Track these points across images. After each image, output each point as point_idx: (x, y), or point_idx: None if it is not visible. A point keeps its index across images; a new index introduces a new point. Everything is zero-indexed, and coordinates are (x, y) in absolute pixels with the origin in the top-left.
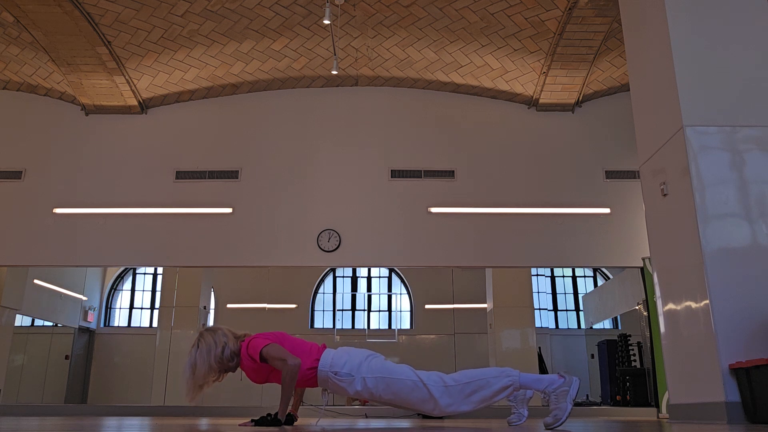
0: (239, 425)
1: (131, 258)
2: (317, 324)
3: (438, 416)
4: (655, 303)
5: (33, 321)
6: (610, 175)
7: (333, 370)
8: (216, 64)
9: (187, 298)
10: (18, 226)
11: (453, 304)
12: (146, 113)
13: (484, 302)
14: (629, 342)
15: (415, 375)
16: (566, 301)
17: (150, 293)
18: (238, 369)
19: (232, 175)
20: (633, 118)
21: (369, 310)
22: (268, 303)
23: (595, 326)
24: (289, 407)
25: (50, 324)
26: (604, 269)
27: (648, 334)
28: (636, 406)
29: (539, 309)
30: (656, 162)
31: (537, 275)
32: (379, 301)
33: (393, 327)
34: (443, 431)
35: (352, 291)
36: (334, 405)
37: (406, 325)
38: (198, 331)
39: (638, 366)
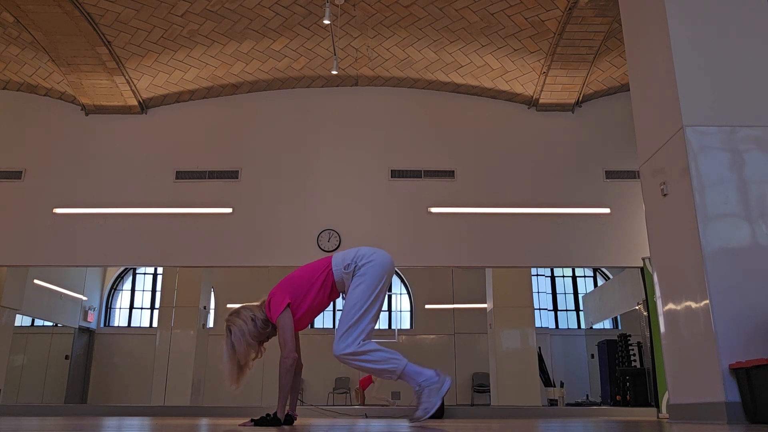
0: (239, 425)
1: (131, 258)
2: (317, 324)
3: (335, 352)
4: (655, 303)
5: (33, 321)
6: (610, 175)
7: (344, 263)
8: (216, 64)
9: (187, 298)
10: (18, 226)
11: (453, 304)
12: (146, 113)
13: (484, 302)
14: (629, 342)
15: (360, 308)
16: (566, 301)
17: (150, 293)
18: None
19: (232, 175)
20: (633, 118)
21: None
22: None
23: (595, 326)
24: (288, 408)
25: (50, 324)
26: (604, 269)
27: (648, 334)
28: (636, 406)
29: (539, 309)
30: (656, 162)
31: (537, 275)
32: None
33: (393, 327)
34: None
35: None
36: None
37: (406, 325)
38: (225, 321)
39: (638, 366)
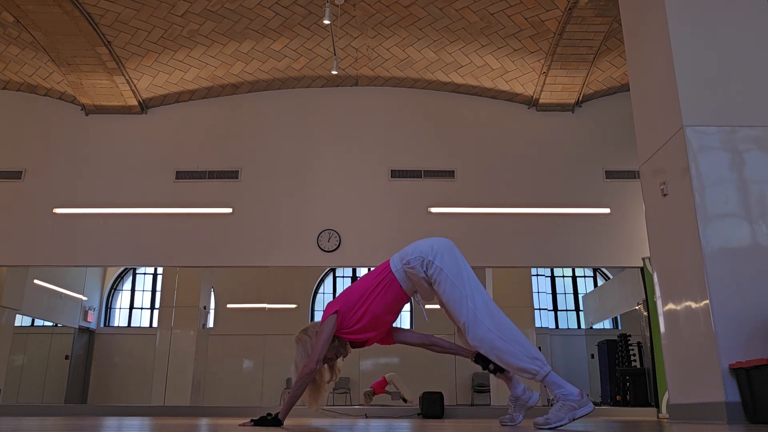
0: (239, 425)
1: (131, 258)
2: None
3: (470, 343)
4: (655, 303)
5: (33, 321)
6: (610, 175)
7: (404, 261)
8: (216, 64)
9: (187, 298)
10: (18, 226)
11: None
12: (146, 113)
13: None
14: (629, 342)
15: (471, 293)
16: (566, 301)
17: (150, 293)
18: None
19: (232, 175)
20: (633, 118)
21: None
22: (268, 303)
23: (595, 326)
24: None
25: (50, 324)
26: (604, 269)
27: (648, 334)
28: (636, 406)
29: (539, 309)
30: (656, 162)
31: (537, 275)
32: None
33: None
34: (443, 431)
35: None
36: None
37: (406, 325)
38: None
39: (638, 366)
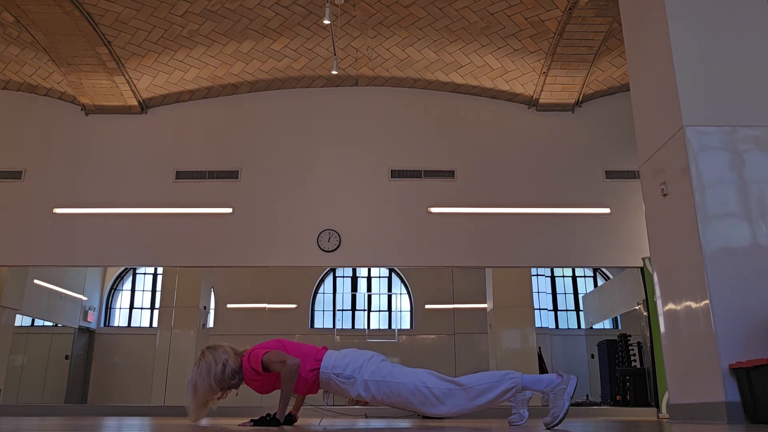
0: (238, 425)
1: (131, 258)
2: (317, 324)
3: (439, 417)
4: (655, 303)
5: (33, 321)
6: (610, 175)
7: (335, 371)
8: (216, 64)
9: (187, 298)
10: (18, 226)
11: (453, 304)
12: (146, 113)
13: (484, 302)
14: (629, 342)
15: (418, 380)
16: (566, 301)
17: (150, 293)
18: (242, 385)
19: (232, 175)
20: (633, 118)
21: (369, 310)
22: (268, 303)
23: (595, 326)
24: (290, 408)
25: (50, 324)
26: (604, 269)
27: (648, 334)
28: (636, 406)
29: (539, 309)
30: (656, 162)
31: (537, 275)
32: (379, 301)
33: (393, 327)
34: (443, 431)
35: (352, 291)
36: (334, 405)
37: (406, 325)
38: (200, 350)
39: (638, 366)
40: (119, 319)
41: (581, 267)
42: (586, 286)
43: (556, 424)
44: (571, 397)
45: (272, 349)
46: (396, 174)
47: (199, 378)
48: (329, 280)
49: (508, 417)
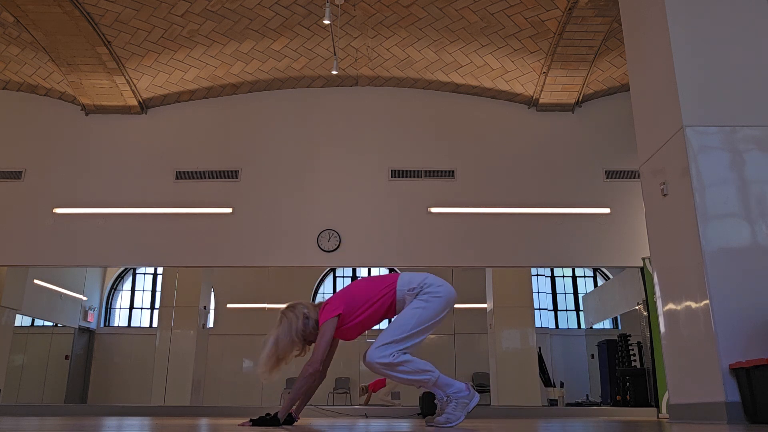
0: (238, 425)
1: (131, 258)
2: None
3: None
4: (655, 303)
5: (33, 321)
6: (610, 175)
7: (409, 287)
8: (216, 64)
9: (187, 298)
10: (18, 226)
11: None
12: (146, 113)
13: (484, 302)
14: (629, 342)
15: (410, 330)
16: (566, 301)
17: (150, 293)
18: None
19: (232, 175)
20: (633, 118)
21: None
22: (268, 303)
23: (595, 326)
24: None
25: (50, 324)
26: (604, 269)
27: (648, 334)
28: (636, 406)
29: (539, 309)
30: (656, 162)
31: (537, 275)
32: None
33: None
34: (443, 431)
35: None
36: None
37: None
38: (279, 312)
39: (638, 366)
40: (119, 319)
41: (581, 267)
42: (586, 286)
43: (441, 427)
44: (468, 413)
45: (331, 319)
46: (396, 174)
47: (281, 333)
48: (329, 280)
49: (428, 418)
